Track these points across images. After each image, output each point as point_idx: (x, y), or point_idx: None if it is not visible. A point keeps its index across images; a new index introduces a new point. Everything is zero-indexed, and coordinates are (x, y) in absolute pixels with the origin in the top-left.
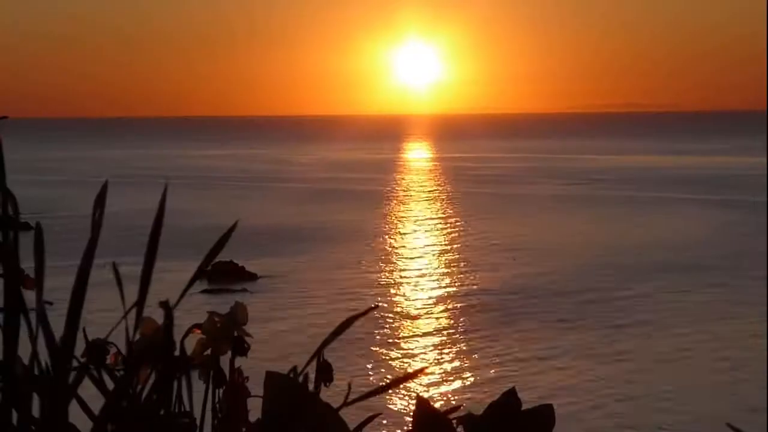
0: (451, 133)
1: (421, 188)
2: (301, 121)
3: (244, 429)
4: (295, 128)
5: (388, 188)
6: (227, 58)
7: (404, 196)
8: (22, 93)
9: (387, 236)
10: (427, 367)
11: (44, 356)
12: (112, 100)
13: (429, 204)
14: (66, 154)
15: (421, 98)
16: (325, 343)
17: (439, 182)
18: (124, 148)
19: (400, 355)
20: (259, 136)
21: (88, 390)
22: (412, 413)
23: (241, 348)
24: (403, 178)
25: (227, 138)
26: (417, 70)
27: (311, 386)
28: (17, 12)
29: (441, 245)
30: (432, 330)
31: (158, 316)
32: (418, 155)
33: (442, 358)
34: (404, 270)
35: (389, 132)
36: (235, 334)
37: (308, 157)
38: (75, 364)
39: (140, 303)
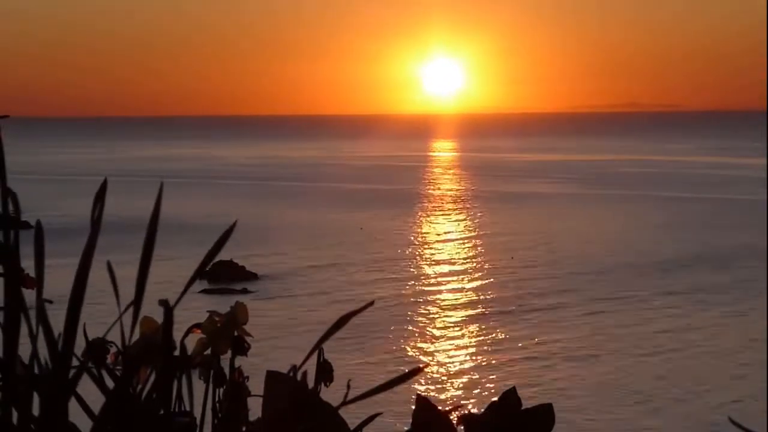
0: (463, 132)
1: (429, 187)
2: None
3: (244, 429)
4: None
5: (394, 188)
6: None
7: (407, 196)
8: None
9: (387, 235)
10: (426, 365)
11: (44, 355)
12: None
13: (433, 204)
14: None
15: (444, 100)
16: (323, 339)
17: (451, 181)
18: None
19: (400, 353)
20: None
21: (88, 389)
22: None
23: (241, 347)
24: (410, 178)
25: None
26: (441, 79)
27: (311, 384)
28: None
29: (443, 244)
30: (433, 327)
31: (157, 315)
32: (432, 153)
33: (446, 355)
34: (404, 269)
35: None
36: (235, 333)
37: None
38: (75, 362)
39: (137, 302)
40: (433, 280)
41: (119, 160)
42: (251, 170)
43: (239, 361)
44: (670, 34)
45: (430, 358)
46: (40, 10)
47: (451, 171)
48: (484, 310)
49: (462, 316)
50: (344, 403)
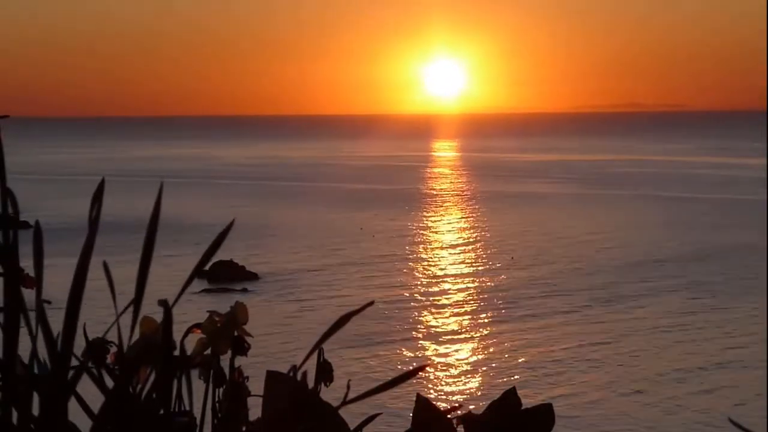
0: (465, 132)
1: (429, 187)
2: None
3: (244, 429)
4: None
5: (394, 188)
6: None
7: (407, 196)
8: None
9: (387, 235)
10: (427, 365)
11: (44, 355)
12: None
13: (434, 205)
14: None
15: (445, 101)
16: (322, 340)
17: (452, 181)
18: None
19: (400, 352)
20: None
21: (88, 389)
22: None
23: (241, 347)
24: (410, 178)
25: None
26: (443, 79)
27: (311, 384)
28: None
29: (443, 244)
30: (433, 327)
31: (158, 315)
32: (433, 153)
33: (446, 354)
34: (404, 268)
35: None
36: (235, 333)
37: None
38: (75, 362)
39: (137, 302)
40: (433, 280)
41: (119, 160)
42: (251, 170)
43: (239, 361)
44: (673, 34)
45: (430, 357)
46: (40, 10)
47: (452, 171)
48: (484, 309)
49: (462, 316)
50: (344, 403)
